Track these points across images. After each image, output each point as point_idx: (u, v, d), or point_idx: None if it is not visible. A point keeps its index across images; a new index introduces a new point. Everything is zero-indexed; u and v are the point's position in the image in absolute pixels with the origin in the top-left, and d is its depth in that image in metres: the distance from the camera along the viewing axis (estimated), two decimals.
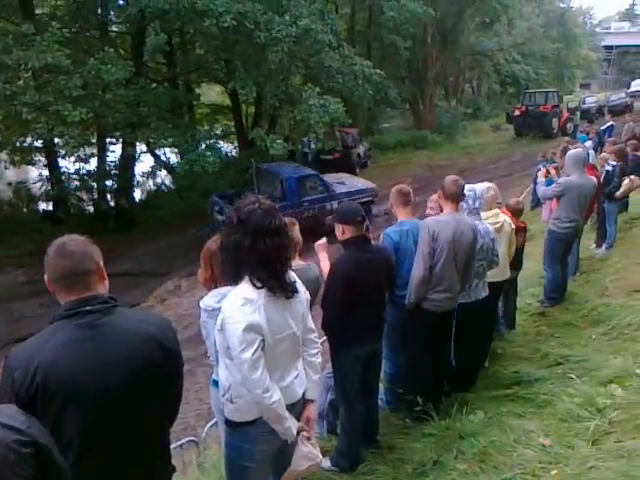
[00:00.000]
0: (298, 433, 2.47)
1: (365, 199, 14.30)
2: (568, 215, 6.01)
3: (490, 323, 4.85)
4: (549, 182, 6.88)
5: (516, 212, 5.55)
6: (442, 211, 4.12)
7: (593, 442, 3.13)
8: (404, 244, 4.03)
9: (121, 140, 17.13)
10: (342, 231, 3.54)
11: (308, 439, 2.57)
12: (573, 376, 4.03)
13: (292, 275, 2.46)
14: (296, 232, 3.37)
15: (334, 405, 3.90)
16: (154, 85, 17.64)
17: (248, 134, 18.68)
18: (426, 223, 3.90)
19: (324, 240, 3.89)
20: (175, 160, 20.28)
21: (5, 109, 12.84)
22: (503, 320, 5.74)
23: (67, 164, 17.24)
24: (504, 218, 4.80)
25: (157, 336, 1.96)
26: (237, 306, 2.26)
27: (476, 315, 4.23)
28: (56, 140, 15.00)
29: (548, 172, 7.37)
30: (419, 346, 4.03)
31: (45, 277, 1.90)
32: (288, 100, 16.06)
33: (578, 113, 28.55)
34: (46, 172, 18.21)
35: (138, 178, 20.38)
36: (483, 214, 4.45)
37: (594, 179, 6.47)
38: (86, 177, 17.42)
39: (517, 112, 28.83)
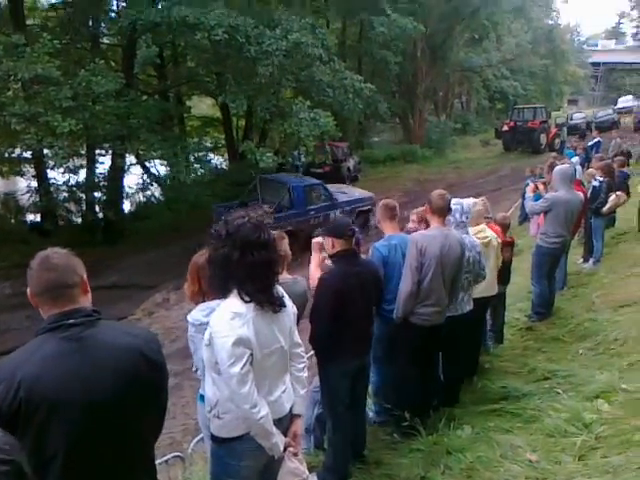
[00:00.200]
0: (285, 449, 2.46)
1: (365, 208, 14.63)
2: (555, 230, 6.06)
3: (477, 337, 4.87)
4: (537, 197, 6.95)
5: (503, 227, 5.61)
6: (423, 224, 4.14)
7: (579, 457, 3.13)
8: (393, 258, 4.05)
9: (110, 152, 17.08)
10: (332, 244, 3.55)
11: (295, 455, 2.55)
12: (560, 391, 4.04)
13: (280, 289, 2.46)
14: (284, 246, 3.37)
15: (321, 420, 3.88)
16: (144, 97, 17.64)
17: (238, 147, 18.74)
18: (414, 238, 3.91)
19: (320, 239, 3.87)
20: (165, 172, 20.27)
21: None
22: (491, 334, 5.76)
23: (56, 175, 17.18)
24: (491, 233, 4.84)
25: (142, 348, 1.95)
26: (226, 320, 2.26)
27: (462, 328, 4.24)
28: (45, 151, 14.93)
29: (536, 187, 7.43)
30: (407, 360, 4.03)
31: (28, 290, 1.89)
32: (279, 113, 16.12)
33: (565, 129, 28.85)
34: (35, 183, 18.11)
35: (127, 190, 20.33)
36: (471, 229, 4.47)
37: (581, 195, 6.53)
38: (75, 188, 17.36)
39: (506, 127, 29.09)
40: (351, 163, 22.34)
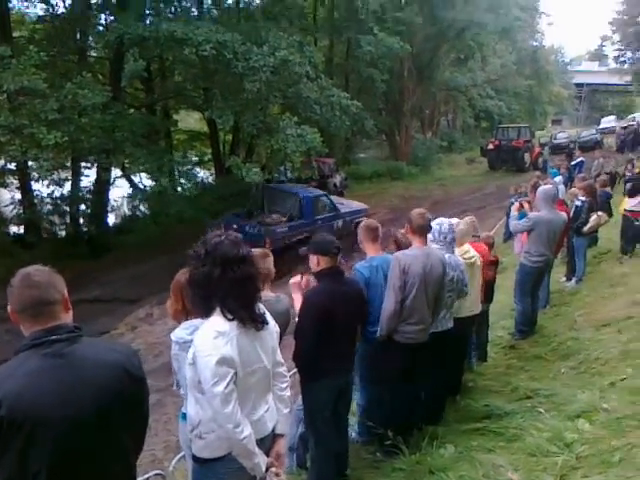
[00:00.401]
0: (267, 469, 2.44)
1: (362, 219, 14.75)
2: (538, 249, 6.13)
3: (459, 355, 4.89)
4: (522, 215, 7.02)
5: (487, 246, 5.66)
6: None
7: (561, 477, 3.13)
8: (374, 279, 4.04)
9: (96, 165, 17.01)
10: (317, 262, 3.55)
11: (277, 475, 2.53)
12: (542, 410, 4.05)
13: (262, 307, 2.47)
14: (268, 263, 3.37)
15: (305, 438, 3.86)
16: (131, 111, 17.63)
17: (225, 161, 18.74)
18: (397, 257, 3.93)
19: (298, 278, 3.87)
20: (151, 185, 20.21)
21: None
22: (475, 352, 5.78)
23: (40, 187, 17.05)
24: (475, 253, 4.88)
25: (124, 364, 1.96)
26: (209, 339, 2.25)
27: (443, 345, 4.25)
28: (30, 163, 14.84)
29: (522, 206, 7.51)
30: (391, 379, 4.03)
31: (8, 308, 1.88)
32: (265, 129, 16.19)
33: (547, 148, 29.19)
34: (19, 195, 17.93)
35: (113, 203, 20.21)
36: (457, 249, 4.51)
37: (564, 215, 6.61)
38: (59, 201, 17.22)
39: (491, 146, 29.36)
40: (337, 179, 22.42)
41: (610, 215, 9.05)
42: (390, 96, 29.78)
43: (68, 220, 18.04)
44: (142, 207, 21.53)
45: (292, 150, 15.49)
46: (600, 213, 8.19)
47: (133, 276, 14.14)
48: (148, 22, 15.76)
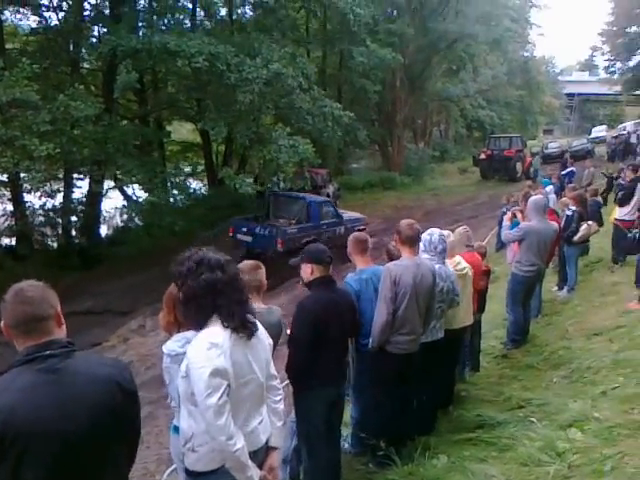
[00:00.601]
0: None
1: (361, 227, 15.27)
2: (529, 259, 6.16)
3: (451, 365, 4.90)
4: (515, 224, 7.06)
5: (480, 256, 5.69)
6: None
7: None
8: (364, 292, 4.06)
9: (88, 176, 16.99)
10: (311, 271, 3.58)
11: None
12: (534, 420, 4.06)
13: (251, 317, 2.49)
14: (260, 275, 3.38)
15: (298, 450, 3.85)
16: (123, 122, 17.65)
17: (218, 172, 18.77)
18: (387, 268, 3.95)
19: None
20: (144, 197, 20.20)
21: None
22: (468, 362, 5.79)
23: (32, 199, 17.01)
24: (465, 264, 4.90)
25: (117, 378, 1.97)
26: (203, 350, 2.26)
27: (434, 355, 4.27)
28: (22, 174, 14.80)
29: (514, 215, 7.55)
30: (383, 389, 4.03)
31: (1, 323, 1.89)
32: (258, 140, 16.25)
33: (537, 157, 29.36)
34: (10, 207, 17.89)
35: (105, 214, 20.17)
36: (448, 260, 4.53)
37: (554, 224, 6.66)
38: (51, 213, 17.17)
39: (483, 156, 29.50)
40: (330, 189, 22.45)
41: (601, 224, 9.12)
42: (383, 107, 29.93)
43: (60, 232, 17.99)
44: (135, 218, 21.51)
45: (285, 161, 15.57)
46: (590, 222, 8.25)
47: (125, 288, 14.08)
48: (141, 34, 15.82)
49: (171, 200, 17.47)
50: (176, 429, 2.73)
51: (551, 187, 14.22)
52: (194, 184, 24.36)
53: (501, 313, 7.05)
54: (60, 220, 17.48)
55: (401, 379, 4.05)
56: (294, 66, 15.94)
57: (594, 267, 9.33)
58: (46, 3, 17.08)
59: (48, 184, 15.60)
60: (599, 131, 42.85)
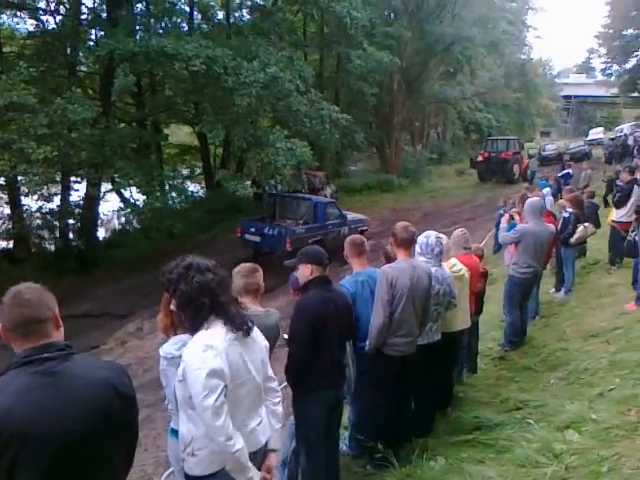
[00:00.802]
0: None
1: (364, 228, 15.65)
2: (525, 261, 6.18)
3: (448, 367, 4.90)
4: (512, 226, 7.07)
5: (477, 257, 5.69)
6: None
7: None
8: (360, 295, 4.07)
9: (86, 179, 16.97)
10: (310, 271, 3.60)
11: None
12: (531, 421, 4.06)
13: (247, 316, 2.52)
14: (258, 278, 3.38)
15: (297, 453, 3.85)
16: (121, 125, 17.63)
17: (215, 175, 18.76)
18: (384, 270, 3.96)
19: None
20: (141, 199, 20.18)
21: None
22: (465, 364, 5.80)
23: (30, 202, 16.98)
24: (462, 267, 4.91)
25: (114, 382, 1.96)
26: (199, 352, 2.27)
27: (431, 357, 4.27)
28: (19, 177, 14.78)
29: (512, 217, 7.56)
30: (380, 391, 4.03)
31: (0, 326, 1.88)
32: (256, 142, 16.26)
33: (534, 159, 29.42)
34: (7, 210, 17.85)
35: (103, 217, 20.14)
36: (444, 263, 4.54)
37: (551, 227, 6.68)
38: (49, 216, 17.14)
39: (480, 158, 29.57)
40: (328, 192, 22.49)
41: (597, 226, 9.13)
42: (380, 109, 29.97)
43: (57, 235, 17.94)
44: (133, 221, 21.47)
45: (282, 163, 15.58)
46: (587, 224, 8.27)
47: (123, 291, 14.06)
48: (138, 37, 15.82)
49: (169, 203, 17.44)
50: (173, 432, 2.73)
51: (548, 189, 14.27)
52: (192, 187, 24.38)
53: (498, 315, 7.06)
54: (57, 223, 17.42)
55: (398, 381, 4.06)
56: (291, 69, 15.96)
57: (591, 269, 9.35)
58: (43, 7, 17.07)
59: (45, 187, 15.53)
60: (596, 133, 42.97)
